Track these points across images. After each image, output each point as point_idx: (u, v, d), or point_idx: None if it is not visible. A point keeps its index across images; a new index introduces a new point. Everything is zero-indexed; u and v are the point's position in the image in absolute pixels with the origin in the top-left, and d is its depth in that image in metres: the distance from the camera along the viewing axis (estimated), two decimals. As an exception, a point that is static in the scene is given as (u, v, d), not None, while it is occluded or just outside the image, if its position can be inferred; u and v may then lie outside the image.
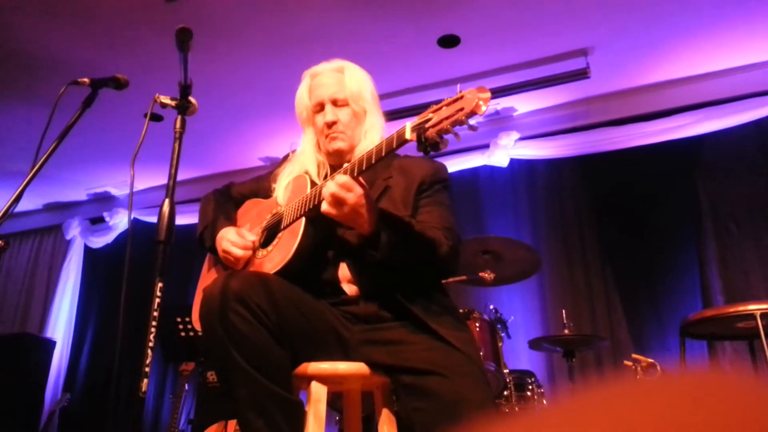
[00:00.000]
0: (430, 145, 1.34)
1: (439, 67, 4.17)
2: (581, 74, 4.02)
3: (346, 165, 1.52)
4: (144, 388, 1.23)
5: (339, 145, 1.72)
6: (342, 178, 1.44)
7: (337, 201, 1.43)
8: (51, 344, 5.61)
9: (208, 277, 1.84)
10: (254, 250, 1.69)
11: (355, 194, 1.43)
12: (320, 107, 1.74)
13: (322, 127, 1.73)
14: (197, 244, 1.83)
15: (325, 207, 1.46)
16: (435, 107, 1.38)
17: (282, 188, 1.74)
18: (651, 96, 4.40)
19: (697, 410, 0.27)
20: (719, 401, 0.27)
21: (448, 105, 1.35)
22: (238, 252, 1.64)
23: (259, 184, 1.90)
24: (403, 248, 1.50)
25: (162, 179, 5.61)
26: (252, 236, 1.68)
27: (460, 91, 1.34)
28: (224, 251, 1.67)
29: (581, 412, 0.29)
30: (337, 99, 1.73)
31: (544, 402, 3.07)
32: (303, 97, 1.79)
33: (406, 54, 4.02)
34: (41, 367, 5.38)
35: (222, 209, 1.83)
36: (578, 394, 0.30)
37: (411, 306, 1.50)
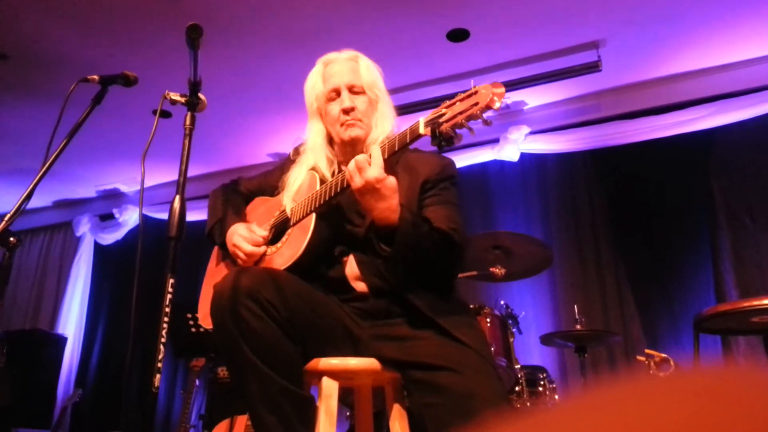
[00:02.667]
0: (445, 139, 1.34)
1: (448, 61, 4.14)
2: (593, 67, 3.98)
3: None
4: (157, 383, 1.23)
5: (356, 132, 1.67)
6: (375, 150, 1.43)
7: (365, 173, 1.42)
8: (62, 340, 5.66)
9: (216, 271, 1.84)
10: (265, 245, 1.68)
11: (386, 177, 1.41)
12: (336, 94, 1.70)
13: (338, 114, 1.68)
14: (207, 239, 1.82)
15: (357, 180, 1.43)
16: (448, 102, 1.38)
17: (292, 188, 1.71)
18: (663, 89, 4.35)
19: (714, 408, 0.26)
20: (736, 398, 0.26)
21: (461, 100, 1.35)
22: (248, 247, 1.63)
23: (267, 180, 1.88)
24: (417, 248, 1.47)
25: (170, 176, 5.63)
26: (262, 231, 1.67)
27: (474, 86, 1.34)
28: (234, 245, 1.66)
29: (595, 411, 0.28)
30: (354, 85, 1.69)
31: (556, 397, 3.05)
32: (316, 85, 1.74)
33: (414, 48, 4.00)
34: (53, 363, 5.43)
35: (231, 204, 1.82)
36: (591, 392, 0.29)
37: (419, 304, 1.49)
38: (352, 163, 1.44)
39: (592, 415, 0.28)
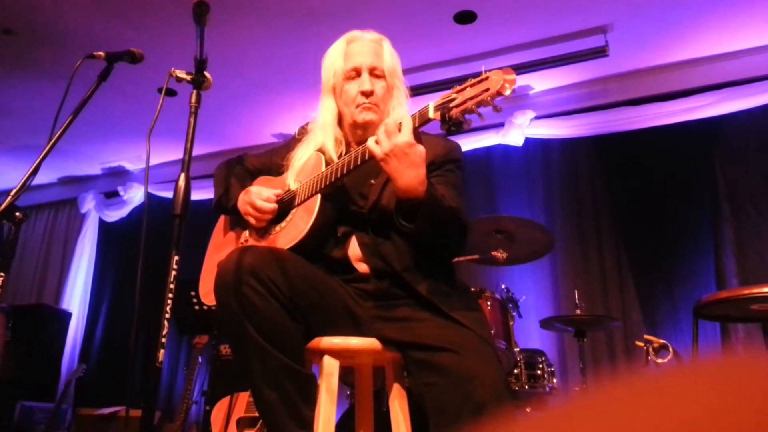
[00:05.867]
0: (454, 124, 1.35)
1: (455, 43, 4.12)
2: (600, 52, 3.95)
3: (365, 144, 1.51)
4: (161, 358, 1.25)
5: (371, 116, 1.65)
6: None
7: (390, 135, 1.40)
8: (67, 316, 5.71)
9: (222, 243, 1.84)
10: (272, 217, 1.68)
11: (416, 144, 1.40)
12: (356, 73, 1.67)
13: (355, 95, 1.65)
14: (213, 210, 1.82)
15: (376, 148, 1.42)
16: (458, 87, 1.38)
17: (296, 167, 1.71)
18: (670, 75, 4.33)
19: (717, 403, 0.26)
20: (739, 392, 0.26)
21: (472, 85, 1.35)
22: (260, 203, 1.62)
23: (272, 159, 1.87)
24: (437, 223, 1.47)
25: (175, 154, 5.63)
26: (276, 190, 1.66)
27: (486, 72, 1.34)
28: (247, 203, 1.65)
29: (599, 412, 0.28)
30: (375, 68, 1.66)
31: (554, 381, 3.08)
32: (336, 61, 1.70)
33: (421, 30, 3.97)
34: (58, 338, 5.49)
35: (238, 176, 1.81)
36: (594, 391, 0.29)
37: (419, 287, 1.50)
38: (381, 127, 1.42)
39: (596, 415, 0.28)
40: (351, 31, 1.75)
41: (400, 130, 1.40)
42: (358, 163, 1.52)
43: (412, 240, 1.51)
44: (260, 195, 1.64)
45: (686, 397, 0.27)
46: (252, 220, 1.66)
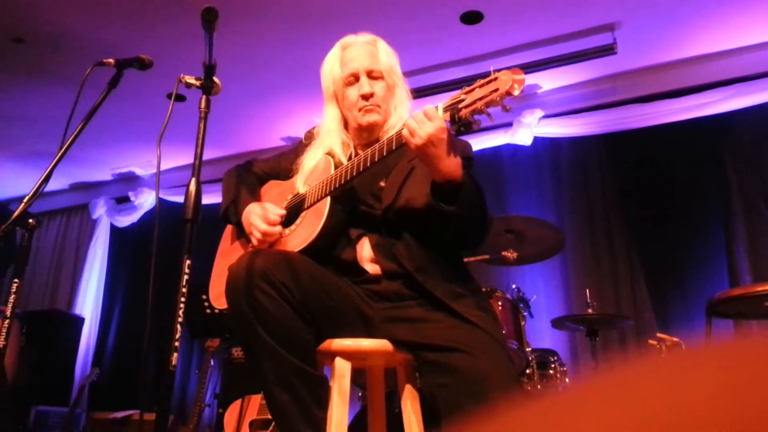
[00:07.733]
0: (464, 125, 1.35)
1: (462, 44, 4.12)
2: (608, 50, 3.93)
3: (374, 146, 1.52)
4: (174, 361, 1.25)
5: (374, 118, 1.67)
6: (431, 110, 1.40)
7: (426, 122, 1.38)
8: (80, 321, 5.75)
9: (230, 250, 1.84)
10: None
11: (448, 132, 1.39)
12: (354, 78, 1.69)
13: (356, 99, 1.67)
14: (222, 219, 1.83)
15: (413, 136, 1.39)
16: (467, 88, 1.38)
17: (306, 170, 1.72)
18: (679, 72, 4.30)
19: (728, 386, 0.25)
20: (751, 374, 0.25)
21: (481, 86, 1.35)
22: (263, 226, 1.61)
23: (281, 163, 1.88)
24: (473, 204, 1.48)
25: (184, 159, 5.67)
26: (280, 210, 1.65)
27: (494, 73, 1.34)
28: (251, 224, 1.64)
29: (604, 396, 0.28)
30: (373, 71, 1.68)
31: (567, 380, 3.07)
32: (333, 69, 1.72)
33: (428, 31, 3.97)
34: (71, 343, 5.53)
35: (246, 184, 1.81)
36: (601, 375, 0.29)
37: (431, 288, 1.50)
38: (410, 119, 1.41)
39: (605, 400, 0.27)
40: (344, 37, 1.77)
41: None
42: (368, 165, 1.53)
43: (451, 224, 1.49)
44: (263, 218, 1.62)
45: (696, 381, 0.26)
46: (255, 241, 1.64)
